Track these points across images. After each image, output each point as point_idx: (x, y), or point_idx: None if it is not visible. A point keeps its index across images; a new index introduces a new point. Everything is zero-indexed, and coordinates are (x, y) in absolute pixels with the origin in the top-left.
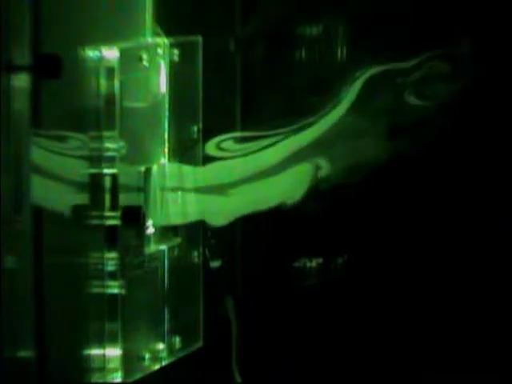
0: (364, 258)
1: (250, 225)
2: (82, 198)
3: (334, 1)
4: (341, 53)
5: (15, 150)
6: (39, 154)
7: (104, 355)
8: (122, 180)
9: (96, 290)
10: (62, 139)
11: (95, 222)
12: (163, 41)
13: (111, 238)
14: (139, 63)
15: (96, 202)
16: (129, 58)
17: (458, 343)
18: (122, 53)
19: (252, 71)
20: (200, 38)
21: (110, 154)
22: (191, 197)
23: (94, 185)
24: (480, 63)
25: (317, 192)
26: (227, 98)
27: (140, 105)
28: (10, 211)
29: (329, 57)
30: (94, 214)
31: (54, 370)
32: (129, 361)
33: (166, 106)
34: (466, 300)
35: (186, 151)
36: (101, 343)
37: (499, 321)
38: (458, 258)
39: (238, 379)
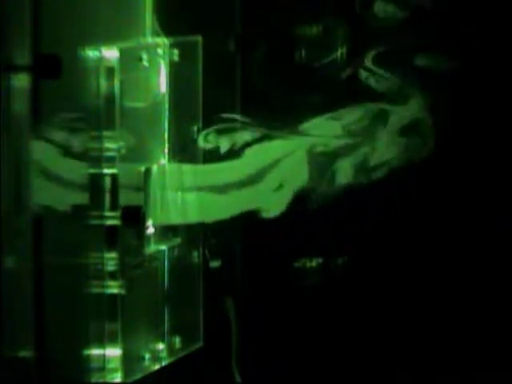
0: (364, 258)
1: (250, 225)
2: (82, 198)
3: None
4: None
5: (15, 150)
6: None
7: (104, 355)
8: (121, 180)
9: (96, 290)
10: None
11: (95, 222)
12: (163, 41)
13: (111, 237)
14: (139, 63)
15: (96, 202)
16: (129, 58)
17: (458, 343)
18: (122, 53)
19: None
20: (200, 38)
21: (109, 154)
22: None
23: (93, 185)
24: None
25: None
26: (227, 97)
27: (140, 105)
28: (10, 211)
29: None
30: (94, 213)
31: (54, 370)
32: (129, 361)
33: (166, 106)
34: (467, 300)
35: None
36: (101, 343)
37: (500, 321)
38: (459, 259)
39: (238, 379)
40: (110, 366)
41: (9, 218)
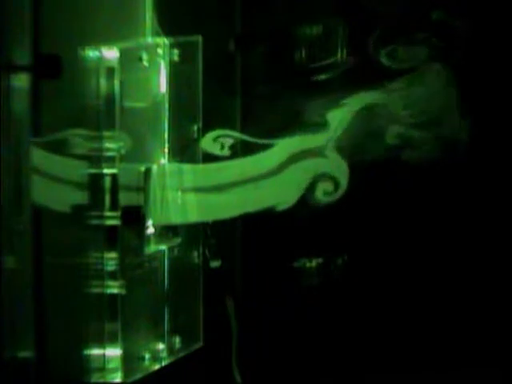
0: (364, 258)
1: (250, 225)
2: (82, 198)
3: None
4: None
5: (15, 150)
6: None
7: (104, 355)
8: (121, 180)
9: (96, 290)
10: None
11: (95, 222)
12: (163, 41)
13: (111, 238)
14: (139, 63)
15: (96, 202)
16: (129, 58)
17: (457, 343)
18: (122, 53)
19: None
20: (200, 38)
21: (110, 153)
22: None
23: (93, 185)
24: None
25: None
26: (227, 97)
27: (140, 105)
28: (9, 211)
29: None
30: (94, 213)
31: (54, 370)
32: (129, 361)
33: (166, 105)
34: (466, 299)
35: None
36: (101, 343)
37: (501, 322)
38: (458, 259)
39: (238, 379)
40: (110, 366)
41: (9, 217)
